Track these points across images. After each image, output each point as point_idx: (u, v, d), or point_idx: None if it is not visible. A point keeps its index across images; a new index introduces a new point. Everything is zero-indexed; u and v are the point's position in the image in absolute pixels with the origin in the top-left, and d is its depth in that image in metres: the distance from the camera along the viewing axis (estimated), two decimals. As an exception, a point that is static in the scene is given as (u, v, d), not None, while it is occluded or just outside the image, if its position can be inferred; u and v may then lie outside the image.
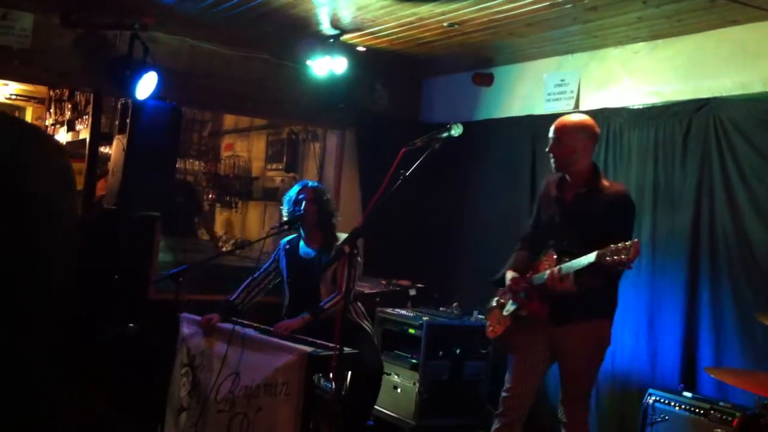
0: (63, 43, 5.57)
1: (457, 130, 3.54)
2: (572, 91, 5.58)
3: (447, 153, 3.70)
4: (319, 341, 4.11)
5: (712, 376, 4.08)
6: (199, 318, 4.52)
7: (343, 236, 4.39)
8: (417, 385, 5.30)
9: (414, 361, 5.39)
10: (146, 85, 5.25)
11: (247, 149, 8.61)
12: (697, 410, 4.13)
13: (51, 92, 7.52)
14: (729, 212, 4.51)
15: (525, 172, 5.90)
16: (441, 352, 5.42)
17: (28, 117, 8.13)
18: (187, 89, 5.95)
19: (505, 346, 4.14)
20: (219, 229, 8.52)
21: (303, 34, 5.72)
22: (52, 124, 7.29)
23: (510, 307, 4.04)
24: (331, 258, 4.13)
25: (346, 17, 5.27)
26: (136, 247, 5.68)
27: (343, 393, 3.81)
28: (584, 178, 3.93)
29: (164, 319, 4.63)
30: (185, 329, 4.62)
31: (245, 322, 4.48)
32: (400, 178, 3.36)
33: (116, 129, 5.37)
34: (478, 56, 6.07)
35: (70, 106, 7.03)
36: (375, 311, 5.72)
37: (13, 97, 7.82)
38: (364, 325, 4.63)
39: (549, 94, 5.76)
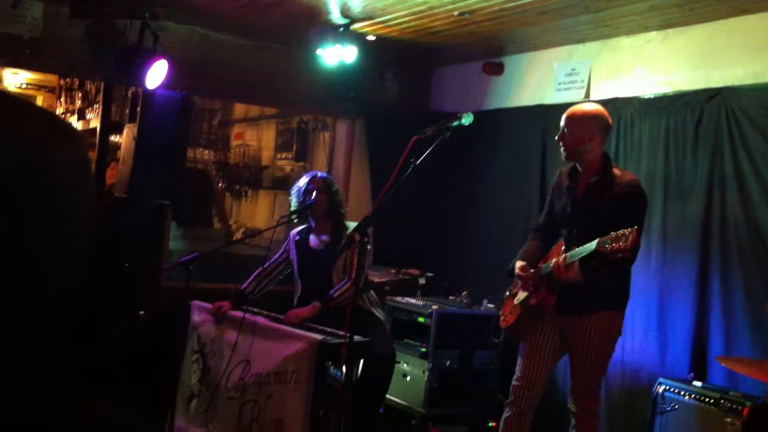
0: (73, 32, 5.58)
1: (467, 119, 3.52)
2: (583, 81, 5.56)
3: (457, 142, 3.69)
4: (329, 329, 4.13)
5: (722, 365, 4.07)
6: (209, 305, 4.55)
7: (352, 225, 4.41)
8: (426, 373, 5.31)
9: (423, 349, 5.39)
10: (156, 74, 5.26)
11: (256, 138, 8.60)
12: (707, 399, 4.12)
13: (61, 81, 7.55)
14: (740, 202, 4.49)
15: (535, 162, 5.88)
16: (450, 341, 5.43)
17: (39, 106, 8.16)
18: (198, 78, 5.96)
19: (516, 334, 4.15)
20: (228, 217, 8.53)
21: (313, 23, 5.71)
22: (62, 113, 7.31)
23: (520, 296, 4.04)
24: (341, 246, 4.14)
25: (356, 6, 5.26)
26: (146, 235, 5.71)
27: (354, 381, 3.83)
28: (595, 168, 3.91)
29: (175, 307, 4.67)
30: (196, 316, 4.64)
31: (255, 310, 4.50)
32: (410, 167, 3.36)
33: (127, 118, 5.39)
34: (488, 45, 6.05)
35: (80, 95, 7.06)
36: (384, 300, 5.72)
37: (24, 86, 7.84)
38: (376, 313, 4.64)
39: (559, 84, 5.74)
